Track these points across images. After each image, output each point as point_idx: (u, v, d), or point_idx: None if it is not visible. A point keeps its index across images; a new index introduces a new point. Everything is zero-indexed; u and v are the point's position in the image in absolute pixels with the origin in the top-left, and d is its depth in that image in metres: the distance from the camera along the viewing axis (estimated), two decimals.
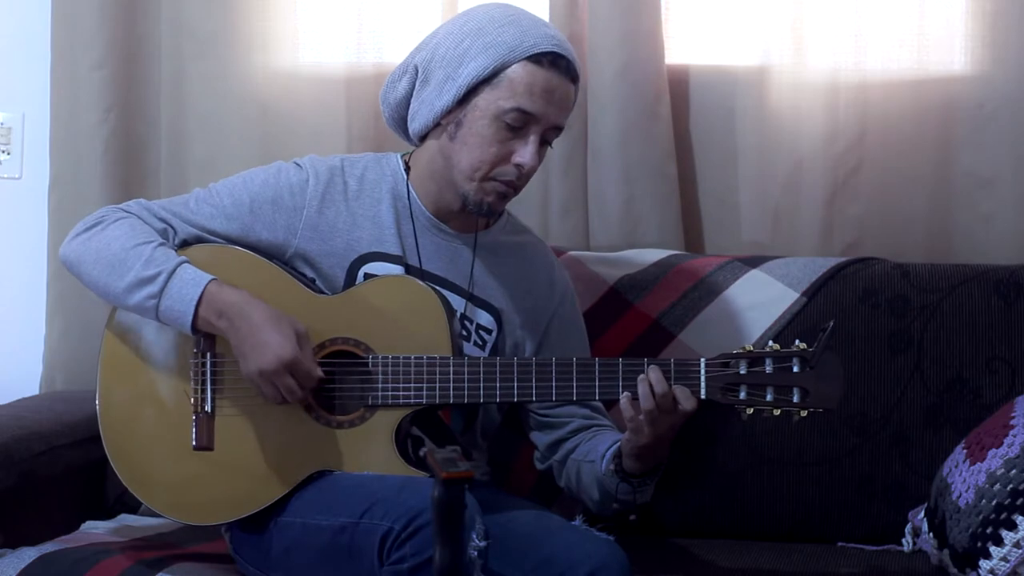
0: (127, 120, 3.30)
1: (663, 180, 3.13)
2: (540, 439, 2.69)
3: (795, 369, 2.43)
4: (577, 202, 3.16)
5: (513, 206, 3.01)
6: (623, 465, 2.50)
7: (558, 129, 2.54)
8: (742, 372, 2.43)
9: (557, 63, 2.50)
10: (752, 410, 2.43)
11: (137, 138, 3.32)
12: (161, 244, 2.54)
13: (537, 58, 2.49)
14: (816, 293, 2.91)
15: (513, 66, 2.49)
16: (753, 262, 2.98)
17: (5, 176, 3.41)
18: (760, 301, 2.92)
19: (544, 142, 2.54)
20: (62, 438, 2.83)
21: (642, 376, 2.42)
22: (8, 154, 3.41)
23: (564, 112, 2.54)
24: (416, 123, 2.58)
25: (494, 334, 2.63)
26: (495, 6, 2.55)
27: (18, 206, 3.40)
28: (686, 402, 2.41)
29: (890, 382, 2.88)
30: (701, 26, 3.19)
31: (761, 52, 3.15)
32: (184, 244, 2.58)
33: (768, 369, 2.43)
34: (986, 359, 2.87)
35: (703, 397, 2.44)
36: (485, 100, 2.50)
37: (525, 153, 2.51)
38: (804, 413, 2.42)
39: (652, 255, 3.02)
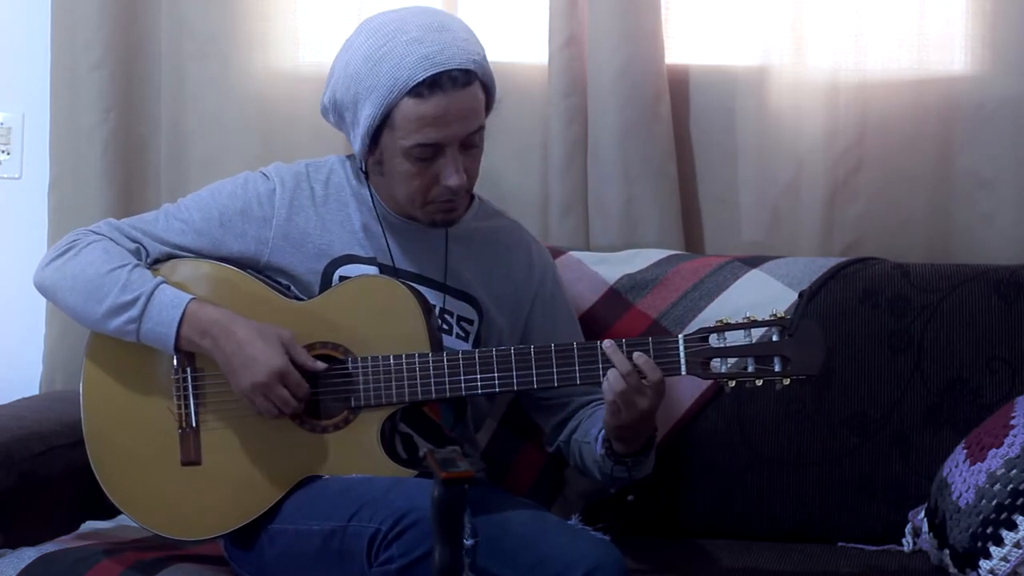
0: (127, 120, 3.30)
1: (663, 180, 3.13)
2: (545, 422, 2.70)
3: (774, 338, 2.42)
4: (577, 202, 3.16)
5: (513, 206, 3.02)
6: (613, 448, 2.50)
7: (476, 132, 2.51)
8: (721, 345, 2.42)
9: (440, 83, 2.44)
10: (735, 382, 2.43)
11: (137, 138, 3.32)
12: (136, 266, 2.54)
13: (417, 90, 2.44)
14: (816, 293, 2.90)
15: (398, 105, 2.45)
16: (753, 262, 2.98)
17: (5, 176, 3.41)
18: (760, 301, 2.90)
19: (470, 146, 2.51)
20: (62, 438, 2.83)
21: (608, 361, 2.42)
22: (8, 154, 3.41)
23: (471, 120, 2.49)
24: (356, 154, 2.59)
25: (476, 324, 2.63)
26: (366, 36, 2.50)
27: (18, 206, 3.40)
28: (652, 374, 2.40)
29: (890, 382, 2.88)
30: (701, 26, 3.18)
31: (761, 52, 3.14)
32: (157, 262, 2.59)
33: (747, 340, 2.42)
34: (986, 359, 2.87)
35: (683, 373, 2.43)
36: (389, 140, 2.49)
37: (449, 175, 2.49)
38: (787, 381, 2.42)
39: (652, 255, 3.02)
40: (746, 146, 3.15)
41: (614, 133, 3.12)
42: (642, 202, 3.13)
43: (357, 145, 2.53)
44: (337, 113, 2.55)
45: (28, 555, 2.58)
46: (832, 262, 2.96)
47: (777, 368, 2.42)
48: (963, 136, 3.10)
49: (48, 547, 2.62)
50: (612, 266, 3.00)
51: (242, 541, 2.53)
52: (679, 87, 3.17)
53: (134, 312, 2.50)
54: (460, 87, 2.46)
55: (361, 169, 2.62)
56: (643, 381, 2.40)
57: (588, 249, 3.12)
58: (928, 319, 2.88)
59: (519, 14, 3.20)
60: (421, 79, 2.44)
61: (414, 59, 2.44)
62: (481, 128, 2.52)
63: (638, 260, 3.01)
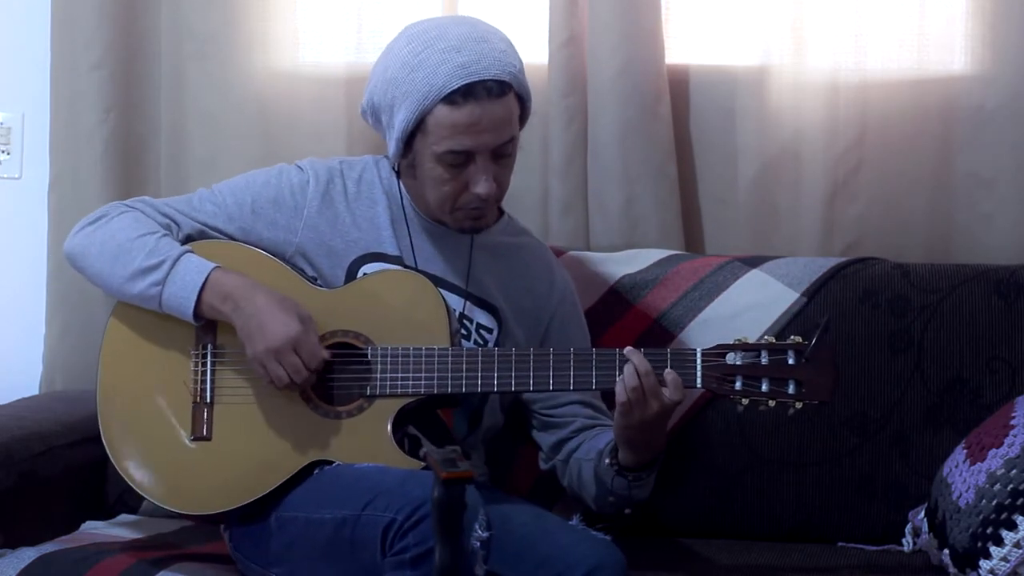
0: (127, 120, 3.30)
1: (663, 180, 3.13)
2: (544, 439, 2.69)
3: (790, 362, 2.44)
4: (577, 202, 3.16)
5: (513, 205, 3.02)
6: (619, 458, 2.50)
7: (507, 143, 2.52)
8: (737, 363, 2.44)
9: (474, 92, 2.47)
10: (748, 401, 2.45)
11: (137, 138, 3.32)
12: (165, 235, 2.57)
13: (451, 98, 2.46)
14: (816, 293, 2.91)
15: (432, 112, 2.48)
16: (753, 262, 2.98)
17: (5, 176, 3.41)
18: (760, 301, 2.92)
19: (502, 156, 2.53)
20: (62, 438, 2.83)
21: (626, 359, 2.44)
22: (8, 154, 3.41)
23: (503, 130, 2.51)
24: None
25: (495, 332, 2.64)
26: (406, 41, 2.53)
27: (18, 206, 3.40)
28: (674, 392, 2.42)
29: (890, 382, 2.88)
30: (701, 26, 3.18)
31: (761, 52, 3.14)
32: (188, 239, 2.61)
33: (764, 361, 2.44)
34: (986, 359, 2.87)
35: (698, 386, 2.45)
36: (421, 145, 2.52)
37: (479, 184, 2.51)
38: (799, 405, 2.44)
39: (652, 255, 3.02)
40: (746, 146, 3.15)
41: (614, 133, 3.12)
42: (642, 202, 3.13)
43: (392, 148, 2.56)
44: (375, 116, 2.58)
45: (28, 555, 2.57)
46: (832, 262, 2.96)
47: (791, 391, 2.44)
48: (963, 136, 3.10)
49: (48, 547, 2.62)
50: (612, 266, 3.00)
51: (249, 529, 2.53)
52: (679, 87, 3.17)
53: (158, 275, 2.52)
54: (494, 97, 2.48)
55: (394, 169, 2.63)
56: (663, 389, 2.42)
57: (588, 249, 3.12)
58: (928, 319, 2.88)
59: (519, 13, 3.20)
60: (455, 87, 2.46)
61: (450, 67, 2.47)
62: (513, 139, 2.53)
63: (638, 260, 3.01)
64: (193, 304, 2.51)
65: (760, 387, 2.44)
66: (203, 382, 2.55)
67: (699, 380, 2.45)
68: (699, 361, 2.45)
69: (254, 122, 3.25)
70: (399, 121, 2.51)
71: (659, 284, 2.97)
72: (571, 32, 3.12)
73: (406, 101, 2.49)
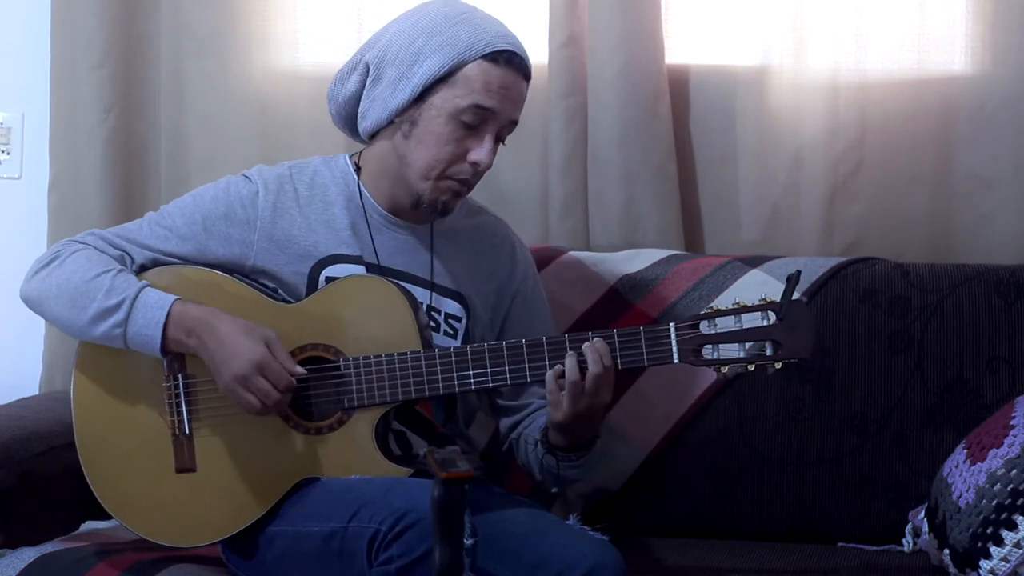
0: (127, 120, 3.30)
1: (663, 180, 3.13)
2: (503, 423, 2.71)
3: (765, 323, 2.42)
4: (577, 202, 3.16)
5: (513, 205, 3.03)
6: (548, 437, 2.51)
7: (512, 124, 2.55)
8: (712, 332, 2.43)
9: (512, 61, 2.51)
10: (727, 368, 2.43)
11: (137, 138, 3.32)
12: (121, 271, 2.53)
13: (493, 56, 2.49)
14: (816, 293, 2.91)
15: (469, 64, 2.49)
16: (753, 262, 2.98)
17: (5, 176, 3.41)
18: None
19: (500, 138, 2.54)
20: (62, 438, 2.82)
21: (570, 352, 2.42)
22: (8, 154, 3.41)
23: (518, 108, 2.55)
24: (367, 121, 2.58)
25: (464, 321, 2.63)
26: (444, 4, 2.55)
27: (18, 206, 3.41)
28: (593, 366, 2.40)
29: (890, 382, 2.88)
30: (701, 26, 3.18)
31: (761, 52, 3.15)
32: (142, 269, 2.58)
33: (738, 326, 2.42)
34: (986, 359, 2.87)
35: (676, 361, 2.43)
36: (441, 99, 2.50)
37: (481, 152, 2.51)
38: (778, 365, 2.42)
39: (652, 255, 3.02)
40: (746, 146, 3.16)
41: (614, 133, 3.12)
42: (642, 202, 3.13)
43: (399, 99, 2.52)
44: (376, 69, 2.54)
45: (28, 555, 2.58)
46: (832, 262, 2.96)
47: (768, 352, 2.42)
48: (963, 136, 3.10)
49: (48, 547, 2.62)
50: (612, 266, 3.00)
51: (240, 543, 2.53)
52: (679, 87, 3.17)
53: (119, 316, 2.49)
54: (523, 77, 2.54)
55: (355, 165, 2.62)
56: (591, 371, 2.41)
57: (588, 249, 3.12)
58: (928, 319, 2.88)
59: (519, 13, 3.20)
60: (501, 48, 2.50)
61: (494, 31, 2.52)
62: (516, 124, 2.56)
63: (638, 260, 3.01)
64: (159, 341, 2.48)
65: (738, 352, 2.43)
66: (179, 413, 2.53)
67: (676, 355, 2.43)
68: (674, 336, 2.43)
69: (254, 122, 3.26)
70: (425, 69, 2.49)
71: (659, 284, 2.97)
72: (571, 32, 3.12)
73: (442, 50, 2.49)
